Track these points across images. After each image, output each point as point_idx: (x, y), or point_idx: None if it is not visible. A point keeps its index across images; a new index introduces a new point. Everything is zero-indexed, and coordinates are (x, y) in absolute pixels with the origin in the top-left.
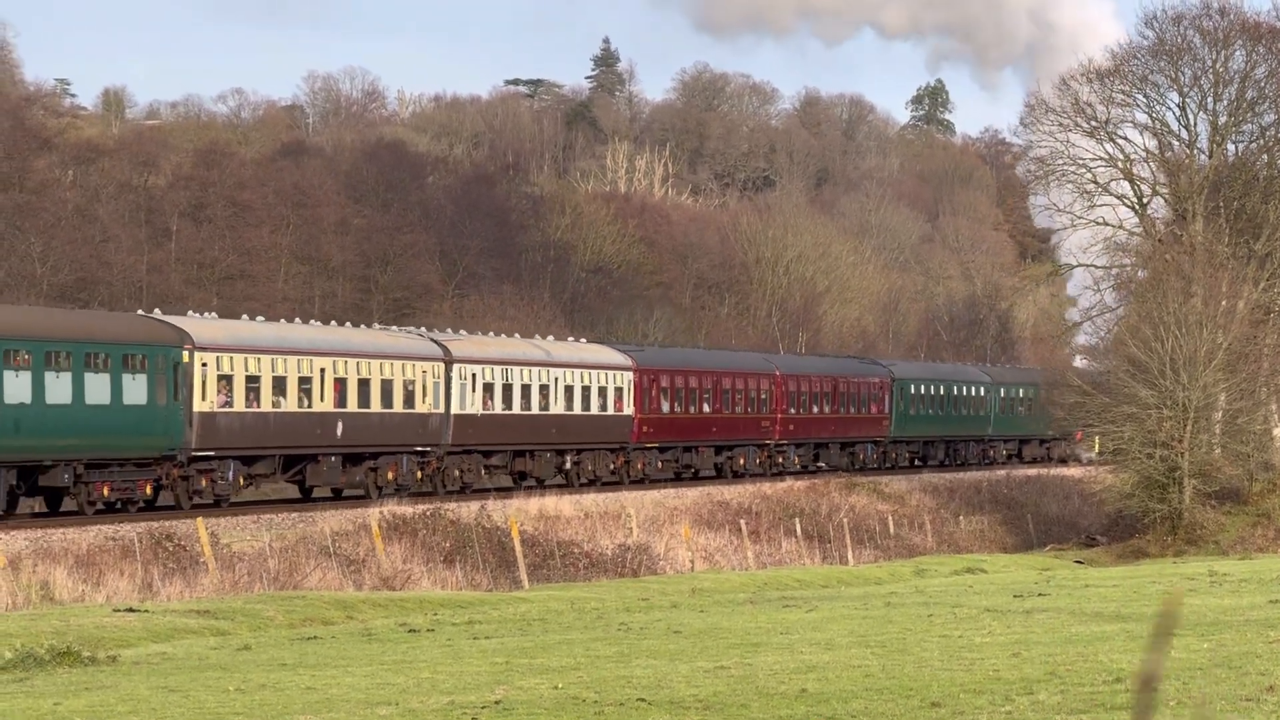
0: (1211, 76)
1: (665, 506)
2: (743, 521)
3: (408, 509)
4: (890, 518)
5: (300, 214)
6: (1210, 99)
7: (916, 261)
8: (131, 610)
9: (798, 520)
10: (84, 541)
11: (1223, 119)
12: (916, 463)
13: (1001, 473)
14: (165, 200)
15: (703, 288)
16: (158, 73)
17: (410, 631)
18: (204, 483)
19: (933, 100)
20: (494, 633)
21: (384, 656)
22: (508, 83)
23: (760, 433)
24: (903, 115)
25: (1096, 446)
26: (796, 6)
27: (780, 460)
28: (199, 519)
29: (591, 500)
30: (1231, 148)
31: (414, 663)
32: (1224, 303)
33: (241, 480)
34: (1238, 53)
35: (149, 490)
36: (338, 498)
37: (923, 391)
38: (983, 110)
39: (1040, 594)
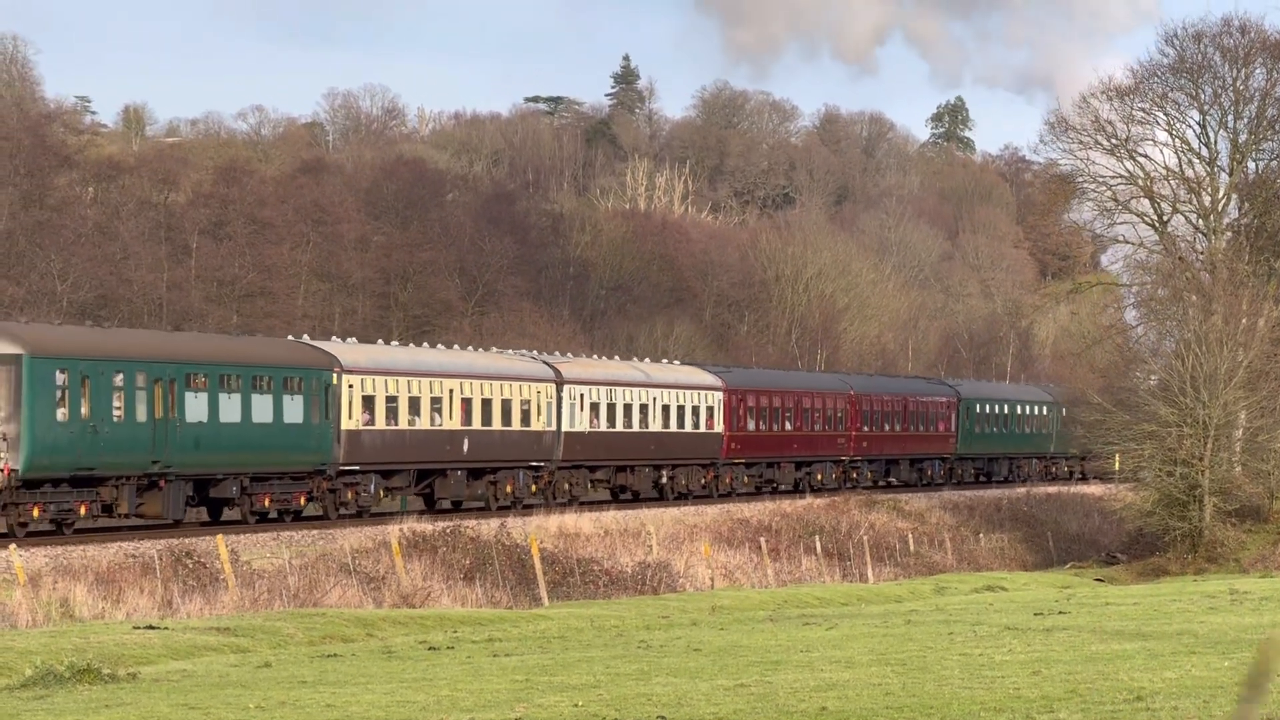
0: (1232, 94)
1: (685, 524)
2: (763, 539)
3: (427, 526)
4: (910, 535)
5: (320, 231)
6: (1231, 117)
7: (936, 279)
8: (152, 627)
9: (817, 538)
10: (104, 559)
11: (1243, 137)
12: (981, 479)
13: (1021, 490)
14: (185, 217)
15: (722, 305)
16: (178, 90)
17: (430, 649)
18: (349, 495)
19: (952, 118)
20: (514, 650)
21: (404, 674)
22: (527, 100)
23: (836, 449)
24: (923, 133)
25: (1117, 464)
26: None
27: (854, 475)
28: (219, 536)
29: (611, 518)
30: (1252, 165)
31: (434, 680)
32: (1244, 320)
33: (381, 493)
34: (1258, 70)
35: (303, 501)
36: (456, 509)
37: (987, 410)
38: (1003, 127)
39: (1060, 612)
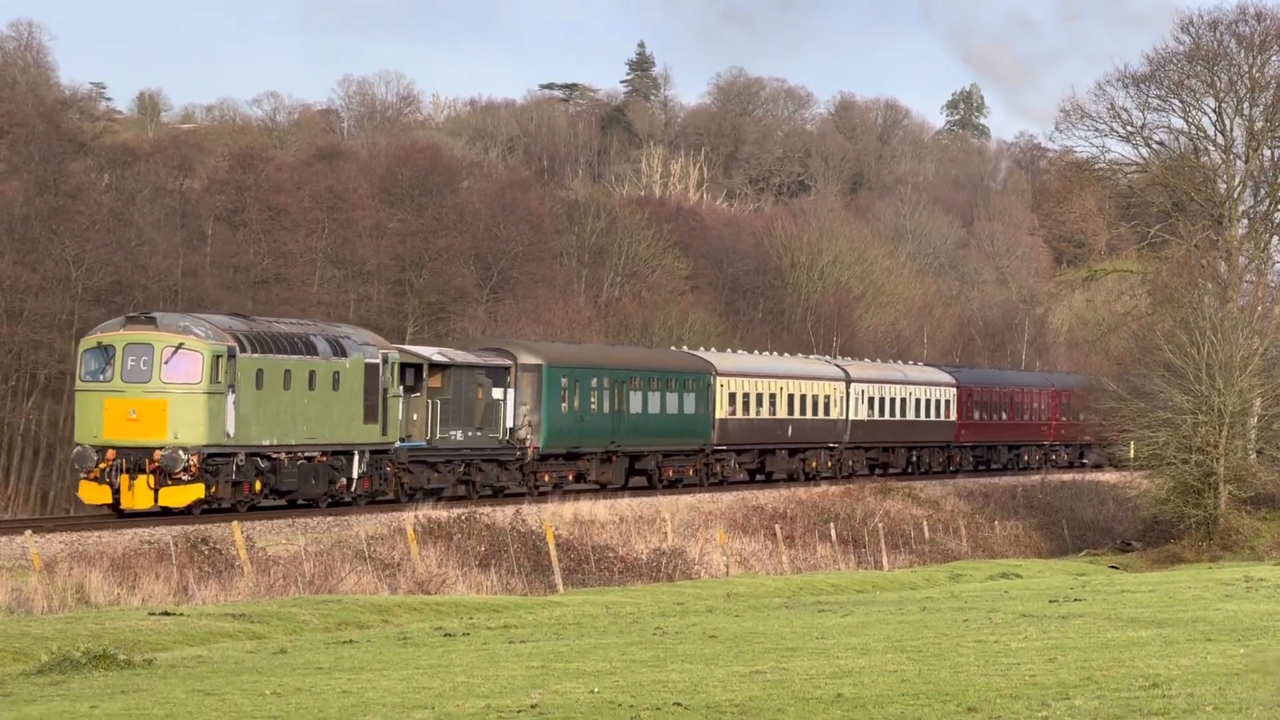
0: (1248, 82)
1: (700, 511)
2: (777, 526)
3: (443, 513)
4: (925, 522)
5: (335, 218)
6: (1246, 104)
7: (951, 266)
8: (167, 614)
9: (832, 525)
10: (119, 545)
11: (1259, 124)
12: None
13: (1036, 478)
14: (201, 204)
15: (737, 292)
16: (193, 76)
17: (446, 635)
18: (719, 468)
19: (967, 105)
20: (529, 637)
21: (420, 660)
22: (542, 87)
23: (1039, 435)
24: (938, 120)
25: (1132, 451)
26: None
27: (1053, 457)
28: (234, 522)
29: (626, 504)
30: (1267, 153)
31: (450, 667)
32: (1260, 307)
33: (737, 466)
34: (1274, 58)
35: (690, 472)
36: (768, 480)
37: None
38: (1018, 115)
39: (1076, 599)
